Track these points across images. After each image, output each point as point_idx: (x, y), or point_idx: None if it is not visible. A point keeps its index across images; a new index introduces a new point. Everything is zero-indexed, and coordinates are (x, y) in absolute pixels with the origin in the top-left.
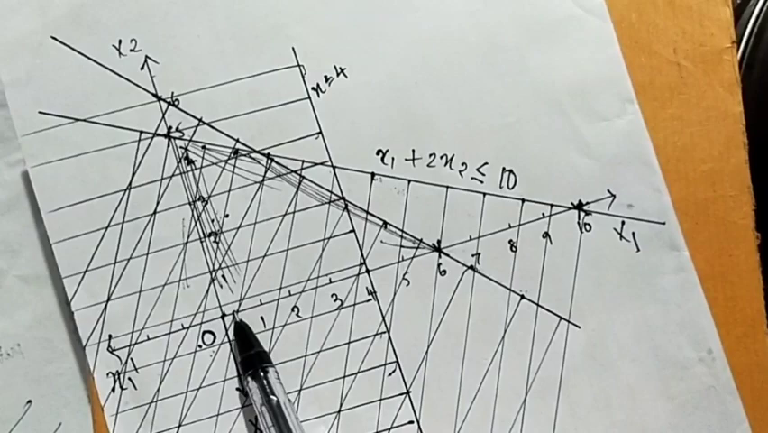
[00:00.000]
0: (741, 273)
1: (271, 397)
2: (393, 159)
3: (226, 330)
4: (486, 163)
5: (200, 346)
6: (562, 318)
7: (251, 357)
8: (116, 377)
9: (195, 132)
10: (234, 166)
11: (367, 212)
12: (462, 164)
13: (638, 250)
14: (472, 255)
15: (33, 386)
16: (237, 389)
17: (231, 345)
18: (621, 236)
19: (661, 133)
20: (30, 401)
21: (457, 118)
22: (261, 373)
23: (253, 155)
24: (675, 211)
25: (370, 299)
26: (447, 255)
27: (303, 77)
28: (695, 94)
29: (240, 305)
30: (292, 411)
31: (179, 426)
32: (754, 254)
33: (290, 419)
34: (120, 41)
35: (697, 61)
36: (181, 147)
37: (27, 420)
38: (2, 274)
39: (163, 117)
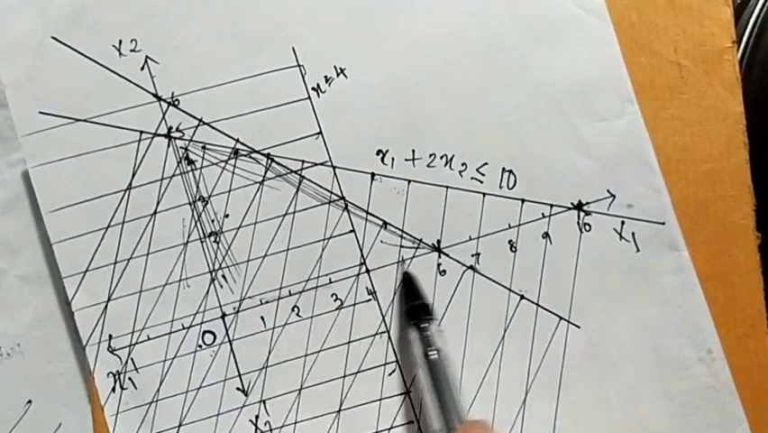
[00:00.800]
0: (741, 273)
1: (431, 350)
2: (393, 159)
3: (226, 330)
4: (486, 163)
5: (200, 346)
6: (561, 318)
7: (416, 308)
8: (116, 377)
9: (195, 132)
10: (234, 166)
11: (367, 212)
12: (462, 164)
13: (638, 250)
14: (472, 255)
15: (33, 386)
16: (237, 388)
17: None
18: (621, 236)
19: (661, 133)
20: (30, 401)
21: (457, 118)
22: (424, 325)
23: (253, 155)
24: (675, 211)
25: (370, 299)
26: (447, 255)
27: (303, 77)
28: (695, 94)
29: (240, 305)
30: (449, 367)
31: (179, 426)
32: (754, 254)
33: (448, 373)
34: (120, 42)
35: (697, 61)
36: (181, 147)
37: (27, 420)
38: (2, 274)
39: (163, 117)
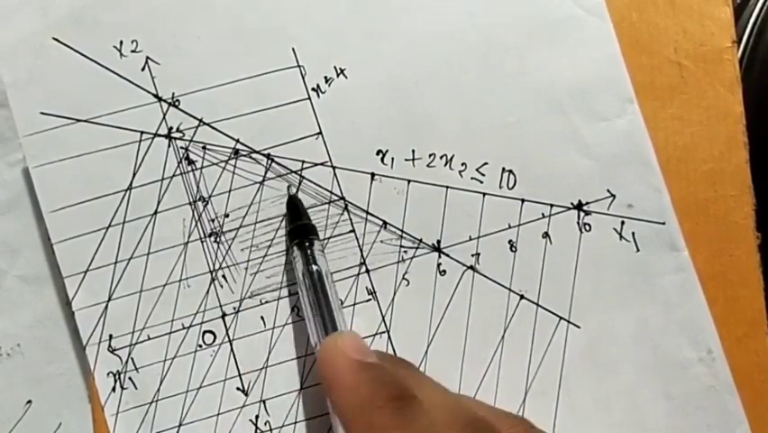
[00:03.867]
0: (741, 273)
1: (312, 267)
2: (393, 159)
3: (226, 330)
4: (486, 163)
5: (200, 346)
6: (561, 318)
7: (298, 228)
8: (117, 377)
9: (195, 132)
10: (235, 166)
11: (367, 212)
12: (462, 164)
13: (638, 250)
14: (472, 255)
15: (33, 386)
16: (237, 388)
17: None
18: (621, 236)
19: (661, 133)
20: (30, 401)
21: (457, 118)
22: (307, 244)
23: (253, 155)
24: (675, 211)
25: (370, 299)
26: (447, 255)
27: (303, 77)
28: (696, 93)
29: (240, 305)
30: (332, 284)
31: (180, 425)
32: (755, 254)
33: (329, 290)
34: (121, 42)
35: (697, 61)
36: (182, 147)
37: (27, 420)
38: (2, 274)
39: (164, 118)
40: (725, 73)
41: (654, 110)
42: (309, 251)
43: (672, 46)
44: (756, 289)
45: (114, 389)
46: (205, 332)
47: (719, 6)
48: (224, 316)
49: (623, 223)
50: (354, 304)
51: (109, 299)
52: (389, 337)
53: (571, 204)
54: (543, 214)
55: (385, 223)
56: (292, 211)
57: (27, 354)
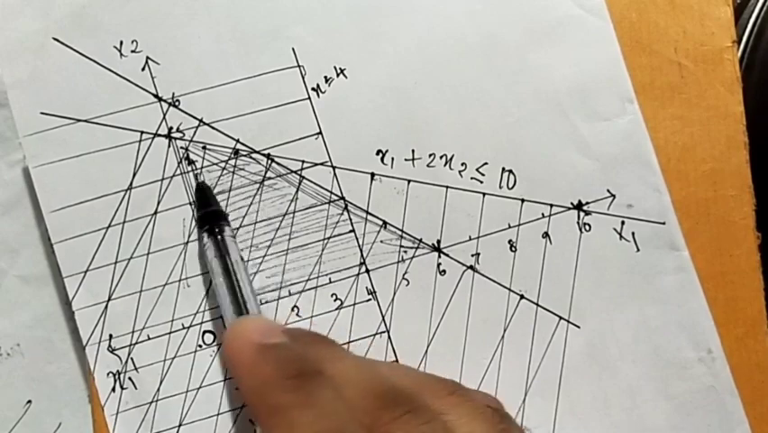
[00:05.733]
0: (741, 273)
1: (224, 254)
2: (393, 159)
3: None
4: (485, 163)
5: (200, 346)
6: (561, 318)
7: (207, 215)
8: (116, 377)
9: (195, 132)
10: (235, 166)
11: (367, 212)
12: (462, 164)
13: (638, 250)
14: (472, 255)
15: (33, 386)
16: (237, 389)
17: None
18: (621, 236)
19: (661, 133)
20: (30, 401)
21: (457, 118)
22: (216, 230)
23: (253, 155)
24: (675, 211)
25: (370, 299)
26: (447, 255)
27: (303, 77)
28: (696, 93)
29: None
30: (245, 270)
31: (180, 425)
32: (755, 254)
33: (240, 276)
34: (121, 43)
35: (698, 61)
36: (182, 147)
37: (27, 420)
38: (2, 274)
39: (164, 118)
40: (725, 73)
41: (654, 110)
42: (220, 237)
43: (672, 46)
44: (756, 289)
45: (113, 389)
46: (205, 332)
47: (719, 6)
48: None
49: (623, 223)
50: (354, 304)
51: (109, 299)
52: (389, 337)
53: (571, 204)
54: (543, 214)
55: (385, 223)
56: (200, 198)
57: (27, 354)
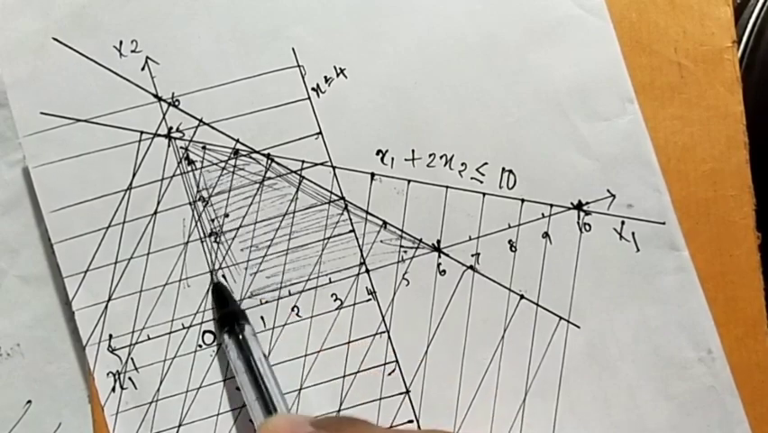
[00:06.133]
0: (741, 273)
1: (247, 353)
2: (393, 159)
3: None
4: (485, 163)
5: (200, 346)
6: (561, 318)
7: (226, 315)
8: (116, 377)
9: (195, 132)
10: (235, 166)
11: (367, 212)
12: (462, 164)
13: (638, 250)
14: (472, 255)
15: (33, 386)
16: (237, 388)
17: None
18: (621, 236)
19: (661, 133)
20: (30, 401)
21: (457, 118)
22: (237, 329)
23: (253, 155)
24: (675, 211)
25: (370, 299)
26: (447, 255)
27: (303, 77)
28: (696, 93)
29: (240, 305)
30: (269, 366)
31: (179, 425)
32: (755, 254)
33: (264, 374)
34: (121, 42)
35: (698, 61)
36: (182, 147)
37: (27, 420)
38: (2, 274)
39: (164, 118)
40: (725, 73)
41: (654, 110)
42: (241, 336)
43: (672, 46)
44: (756, 289)
45: (113, 389)
46: (205, 332)
47: (719, 6)
48: None
49: (623, 223)
50: (354, 304)
51: (109, 299)
52: (389, 337)
53: (571, 204)
54: (543, 214)
55: (385, 223)
56: (218, 298)
57: (27, 354)
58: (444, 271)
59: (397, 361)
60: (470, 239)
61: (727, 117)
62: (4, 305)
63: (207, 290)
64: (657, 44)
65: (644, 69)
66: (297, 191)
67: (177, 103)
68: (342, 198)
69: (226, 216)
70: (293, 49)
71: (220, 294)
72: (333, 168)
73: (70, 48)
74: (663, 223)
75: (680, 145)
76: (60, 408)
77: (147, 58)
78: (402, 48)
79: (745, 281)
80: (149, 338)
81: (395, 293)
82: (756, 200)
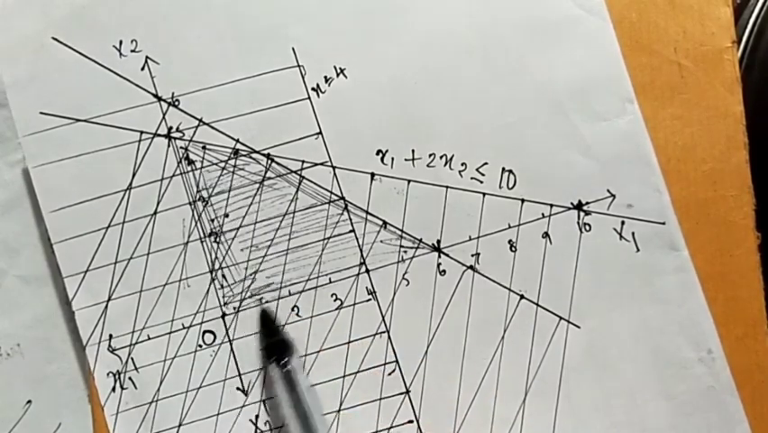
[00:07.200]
0: (741, 273)
1: (294, 386)
2: (393, 159)
3: (226, 330)
4: (485, 163)
5: (200, 346)
6: (561, 318)
7: (274, 344)
8: (116, 377)
9: (195, 132)
10: (234, 166)
11: (367, 212)
12: (462, 164)
13: (638, 250)
14: (472, 255)
15: (33, 386)
16: (237, 388)
17: (235, 341)
18: (621, 236)
19: (661, 133)
20: (30, 401)
21: (457, 118)
22: (285, 361)
23: (253, 155)
24: (675, 211)
25: (370, 299)
26: (447, 255)
27: (303, 77)
28: (696, 93)
29: (240, 304)
30: (314, 397)
31: (179, 425)
32: (755, 254)
33: (310, 409)
34: (120, 42)
35: (698, 61)
36: (181, 147)
37: (27, 420)
38: (2, 274)
39: (164, 118)
40: (725, 73)
41: (654, 110)
42: (290, 368)
43: (672, 46)
44: (756, 289)
45: (113, 389)
46: (205, 332)
47: (719, 6)
48: (224, 316)
49: (623, 223)
50: (354, 304)
51: (109, 299)
52: (389, 337)
53: (571, 204)
54: (543, 214)
55: (385, 223)
56: (265, 326)
57: (27, 354)
58: (444, 271)
59: (397, 361)
60: (470, 239)
61: (727, 117)
62: (4, 305)
63: (207, 290)
64: (657, 44)
65: (644, 69)
66: (296, 191)
67: (176, 103)
68: (342, 197)
69: (226, 215)
70: (293, 49)
71: (267, 321)
72: (333, 168)
73: (70, 48)
74: (663, 223)
75: (680, 145)
76: (60, 408)
77: (147, 57)
78: (402, 48)
79: (745, 281)
80: (149, 338)
81: (395, 293)
82: (756, 200)
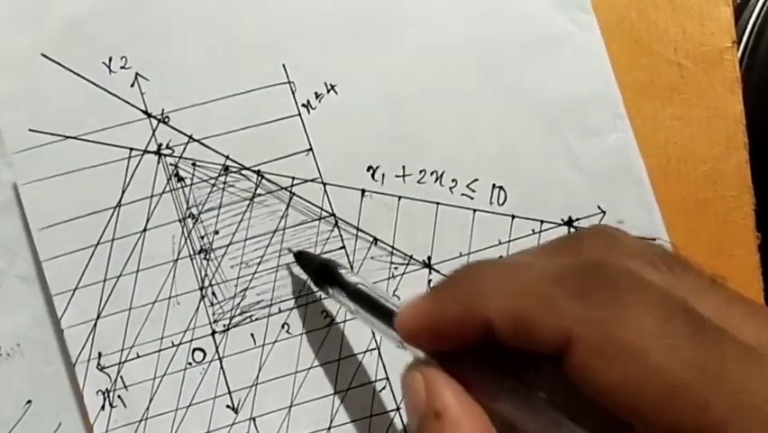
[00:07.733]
0: (741, 273)
1: (352, 288)
2: (383, 175)
3: (216, 347)
4: (476, 180)
5: (190, 364)
6: None
7: (318, 271)
8: (106, 395)
9: (185, 149)
10: (224, 183)
11: (357, 228)
12: (453, 180)
13: None
14: None
15: (33, 386)
16: (227, 406)
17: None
18: None
19: (661, 133)
20: (30, 401)
21: (447, 134)
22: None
23: (243, 172)
24: (675, 211)
25: None
26: (437, 272)
27: (293, 93)
28: (695, 93)
29: (230, 322)
30: (376, 290)
31: None
32: (755, 254)
33: (376, 297)
34: (110, 59)
35: (697, 61)
36: (171, 164)
37: (27, 420)
38: (2, 274)
39: (153, 134)
40: (725, 73)
41: (654, 110)
42: (339, 275)
43: (672, 46)
44: (756, 289)
45: (103, 407)
46: (194, 349)
47: (719, 6)
48: (213, 333)
49: None
50: (345, 321)
51: (98, 317)
52: (380, 354)
53: (562, 220)
54: (533, 230)
55: (375, 239)
56: (303, 262)
57: (27, 354)
58: None
59: (387, 378)
60: (461, 255)
61: (727, 117)
62: (4, 305)
63: (197, 308)
64: (657, 44)
65: (644, 69)
66: (287, 208)
67: (166, 119)
68: (333, 214)
69: (216, 232)
70: (283, 65)
71: (303, 258)
72: (324, 184)
73: (59, 64)
74: (654, 239)
75: (680, 145)
76: (60, 408)
77: (136, 74)
78: (392, 64)
79: (745, 281)
80: (138, 356)
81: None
82: (756, 200)
